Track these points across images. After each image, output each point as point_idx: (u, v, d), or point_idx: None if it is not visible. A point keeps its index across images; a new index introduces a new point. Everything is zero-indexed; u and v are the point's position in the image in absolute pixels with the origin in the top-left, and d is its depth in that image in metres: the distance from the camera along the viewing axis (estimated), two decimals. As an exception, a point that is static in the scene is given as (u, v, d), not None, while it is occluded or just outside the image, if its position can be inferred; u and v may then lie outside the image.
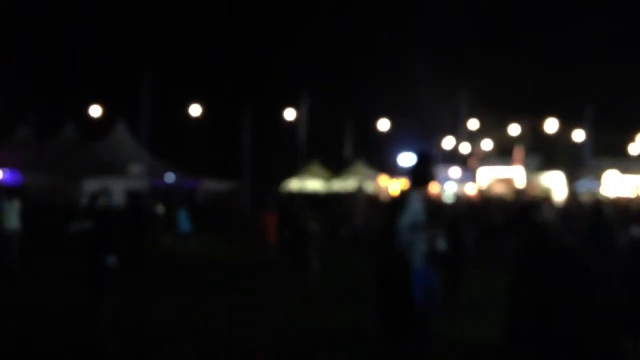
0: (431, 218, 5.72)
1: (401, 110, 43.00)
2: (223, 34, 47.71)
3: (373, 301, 5.72)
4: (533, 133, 43.67)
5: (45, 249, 14.35)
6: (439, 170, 38.95)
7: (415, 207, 5.34)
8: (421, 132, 44.65)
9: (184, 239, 16.81)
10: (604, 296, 4.03)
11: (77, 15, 46.21)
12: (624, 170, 35.93)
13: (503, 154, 41.35)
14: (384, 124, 41.87)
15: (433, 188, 35.74)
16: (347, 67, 46.22)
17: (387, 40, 46.30)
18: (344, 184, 37.34)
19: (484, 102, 42.21)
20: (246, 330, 7.88)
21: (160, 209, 18.58)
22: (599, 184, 34.02)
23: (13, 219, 12.40)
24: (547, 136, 42.13)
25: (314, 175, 40.56)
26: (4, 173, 27.86)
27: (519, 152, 37.68)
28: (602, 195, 29.85)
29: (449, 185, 35.42)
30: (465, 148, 42.37)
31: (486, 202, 21.92)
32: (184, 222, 17.07)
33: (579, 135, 41.44)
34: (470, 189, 34.43)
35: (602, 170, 36.40)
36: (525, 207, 4.41)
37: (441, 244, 5.73)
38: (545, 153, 41.82)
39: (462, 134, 42.53)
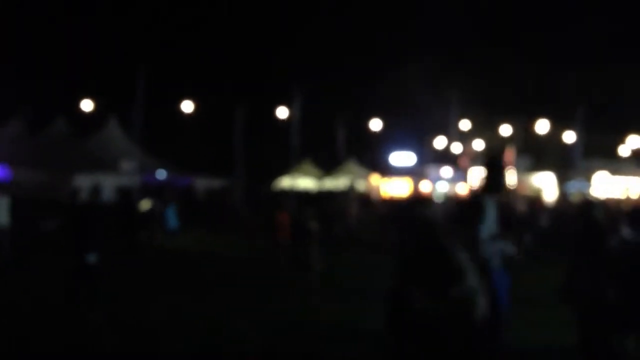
0: (502, 223, 5.80)
1: (393, 109, 43.10)
2: (218, 31, 47.61)
3: None
4: (524, 134, 43.86)
5: (36, 245, 14.25)
6: (431, 169, 39.08)
7: (491, 213, 5.43)
8: (413, 131, 44.79)
9: (171, 236, 16.76)
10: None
11: (71, 10, 45.98)
12: (614, 171, 36.16)
13: (494, 154, 41.49)
14: (376, 124, 41.94)
15: (426, 187, 35.86)
16: (340, 66, 46.26)
17: (380, 39, 46.40)
18: (336, 183, 37.37)
19: (476, 102, 42.36)
20: (243, 328, 7.87)
21: (145, 205, 18.48)
22: (589, 185, 34.22)
23: (2, 215, 12.30)
24: (538, 137, 42.33)
25: (306, 173, 40.57)
26: (-6, 168, 27.68)
27: (510, 152, 37.82)
28: (592, 196, 30.04)
29: (440, 185, 35.51)
30: (456, 148, 42.50)
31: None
32: (172, 218, 17.02)
33: (570, 137, 41.67)
34: (462, 189, 34.50)
35: (593, 171, 36.62)
36: (412, 203, 4.52)
37: (510, 249, 5.83)
38: (536, 154, 42.01)
39: (454, 134, 42.65)
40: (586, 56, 44.65)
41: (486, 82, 44.33)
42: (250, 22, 48.50)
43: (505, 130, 42.85)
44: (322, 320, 8.30)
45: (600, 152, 41.43)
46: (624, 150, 42.93)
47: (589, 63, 44.02)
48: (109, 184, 29.41)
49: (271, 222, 14.04)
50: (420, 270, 4.15)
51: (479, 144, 44.49)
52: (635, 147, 41.84)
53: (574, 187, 34.42)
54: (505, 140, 41.08)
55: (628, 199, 30.95)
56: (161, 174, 32.16)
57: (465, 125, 43.22)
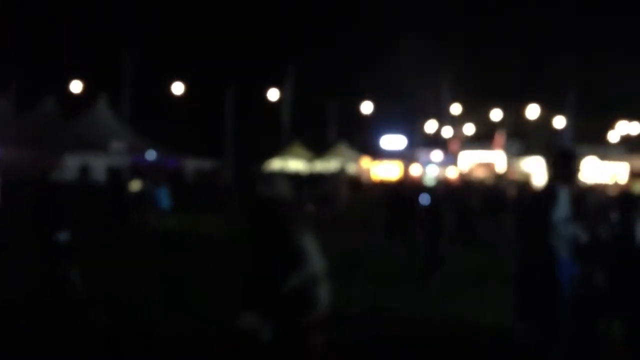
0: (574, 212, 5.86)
1: (384, 93, 43.07)
2: (208, 11, 47.13)
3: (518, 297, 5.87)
4: (515, 118, 44.02)
5: (25, 224, 14.18)
6: (421, 153, 39.20)
7: (564, 201, 5.53)
8: (404, 115, 44.82)
9: (163, 216, 16.71)
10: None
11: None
12: (603, 157, 36.44)
13: (485, 138, 41.68)
14: (367, 107, 41.92)
15: (416, 171, 35.99)
16: (331, 49, 46.01)
17: (372, 23, 46.12)
18: (326, 165, 37.42)
19: (467, 86, 42.41)
20: (234, 306, 7.90)
21: (135, 185, 18.44)
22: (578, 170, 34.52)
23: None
24: (529, 122, 42.53)
25: (297, 155, 40.57)
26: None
27: (500, 137, 38.01)
28: (581, 182, 30.26)
29: (430, 169, 35.64)
30: (447, 132, 42.62)
31: (466, 186, 22.11)
32: (164, 199, 16.96)
33: (559, 122, 41.89)
34: (452, 173, 34.68)
35: (582, 156, 36.85)
36: (258, 180, 4.05)
37: (582, 236, 5.88)
38: (526, 138, 42.23)
39: (445, 118, 42.75)
40: (577, 43, 44.75)
41: (477, 67, 44.34)
42: (241, 2, 48.05)
43: (496, 114, 42.99)
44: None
45: (589, 137, 41.71)
46: (613, 136, 43.26)
47: (580, 49, 44.13)
48: (98, 164, 29.32)
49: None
50: (261, 255, 3.83)
51: (469, 128, 44.64)
52: (624, 133, 42.15)
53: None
54: (496, 125, 41.24)
55: (616, 184, 31.22)
56: (151, 155, 32.03)
57: (456, 109, 43.31)
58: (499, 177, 31.76)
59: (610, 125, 42.77)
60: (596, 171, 34.18)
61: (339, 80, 44.35)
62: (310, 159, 40.47)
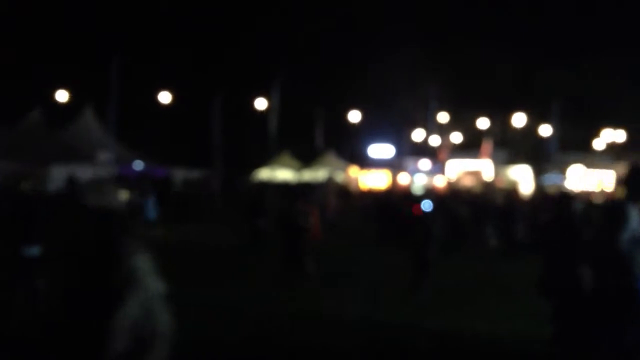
0: None
1: (372, 102, 43.26)
2: (194, 20, 47.18)
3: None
4: (502, 127, 44.39)
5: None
6: (409, 162, 39.36)
7: (634, 220, 5.46)
8: (392, 124, 45.05)
9: (150, 227, 16.63)
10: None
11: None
12: (589, 165, 36.82)
13: (472, 147, 41.97)
14: (354, 115, 42.04)
15: (404, 180, 36.12)
16: (318, 58, 46.18)
17: (360, 32, 46.43)
18: (315, 174, 37.42)
19: (454, 95, 42.74)
20: (228, 318, 7.89)
21: (122, 196, 18.32)
22: (564, 178, 34.75)
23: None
24: (515, 131, 42.88)
25: (285, 165, 40.56)
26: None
27: (487, 145, 38.28)
28: (567, 190, 30.54)
29: (418, 177, 35.78)
30: (435, 140, 42.84)
31: (454, 194, 22.27)
32: (150, 210, 16.91)
33: (545, 130, 42.30)
34: (440, 181, 34.84)
35: (568, 164, 37.23)
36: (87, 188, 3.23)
37: None
38: (513, 147, 42.58)
39: (432, 127, 42.99)
40: (562, 52, 45.34)
41: (464, 77, 44.72)
42: (230, 10, 48.15)
43: (483, 123, 43.33)
44: (304, 310, 8.38)
45: (575, 145, 42.16)
46: (599, 143, 43.75)
47: (566, 58, 44.71)
48: (84, 175, 29.10)
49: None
50: (85, 276, 3.01)
51: (457, 137, 44.92)
52: (609, 140, 42.63)
53: (550, 180, 34.93)
54: (483, 134, 41.53)
55: (601, 191, 31.56)
56: (138, 165, 31.88)
57: (443, 118, 43.59)
58: (487, 186, 32.01)
59: (595, 133, 43.25)
60: (582, 179, 34.50)
61: (326, 90, 44.50)
62: (298, 169, 40.47)
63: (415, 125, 44.39)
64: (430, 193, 22.56)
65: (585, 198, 25.74)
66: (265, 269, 11.62)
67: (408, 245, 10.59)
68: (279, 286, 10.07)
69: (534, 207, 17.88)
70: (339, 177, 36.92)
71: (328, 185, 26.30)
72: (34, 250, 7.28)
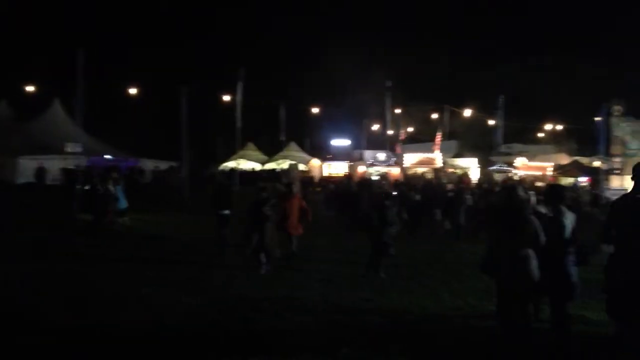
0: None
1: (332, 97, 43.39)
2: (162, 14, 46.34)
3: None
4: (451, 121, 45.07)
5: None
6: (367, 153, 39.62)
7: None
8: (351, 117, 45.31)
9: (120, 215, 16.32)
10: None
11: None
12: (532, 157, 37.66)
13: (425, 140, 42.55)
14: (316, 109, 42.06)
15: (359, 169, 36.36)
16: (282, 53, 45.99)
17: (321, 29, 46.41)
18: (278, 167, 37.38)
19: (409, 91, 43.22)
20: (194, 304, 7.84)
21: (89, 186, 17.97)
22: (510, 169, 35.46)
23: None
24: (464, 124, 43.53)
25: (250, 157, 40.35)
26: None
27: (438, 138, 38.85)
28: (513, 177, 31.23)
29: (375, 168, 36.06)
30: (390, 134, 43.23)
31: (407, 182, 22.54)
32: (120, 199, 16.56)
33: (492, 124, 43.14)
34: (395, 171, 35.20)
35: (513, 156, 38.03)
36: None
37: None
38: (462, 139, 43.28)
39: (388, 121, 43.30)
40: (508, 50, 46.26)
41: (419, 73, 45.23)
42: (193, 7, 47.46)
43: (434, 117, 43.98)
44: (264, 294, 8.40)
45: (519, 138, 43.15)
46: (541, 135, 44.96)
47: (511, 56, 45.65)
48: (54, 167, 28.40)
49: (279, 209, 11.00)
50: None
51: (411, 130, 45.46)
52: (550, 132, 43.71)
53: (496, 169, 35.62)
54: (435, 127, 42.06)
55: (544, 176, 32.38)
56: (106, 157, 31.30)
57: (398, 112, 44.01)
58: (437, 173, 32.52)
59: (538, 126, 44.32)
60: (526, 168, 35.25)
61: (288, 85, 44.40)
62: (262, 161, 40.34)
63: (372, 119, 44.71)
64: (385, 182, 22.81)
65: (530, 183, 26.41)
66: (229, 256, 11.58)
67: (365, 230, 10.70)
68: (243, 272, 10.05)
69: (480, 193, 18.24)
70: (302, 169, 36.89)
71: (294, 173, 26.19)
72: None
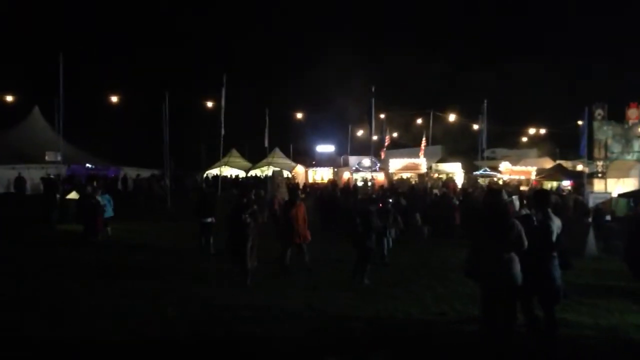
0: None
1: (317, 103, 43.46)
2: (144, 22, 46.11)
3: None
4: (437, 126, 45.32)
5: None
6: (352, 159, 39.65)
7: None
8: (335, 123, 45.35)
9: (105, 225, 16.13)
10: None
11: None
12: (516, 161, 37.95)
13: (410, 145, 42.71)
14: (300, 115, 42.08)
15: (344, 175, 36.38)
16: (266, 59, 45.97)
17: (306, 36, 46.53)
18: (262, 173, 37.30)
19: (395, 97, 43.43)
20: (172, 314, 7.74)
21: (72, 196, 17.87)
22: (494, 173, 35.70)
23: None
24: (448, 129, 43.78)
25: (233, 164, 40.21)
26: None
27: (423, 143, 39.01)
28: (497, 182, 31.43)
29: (361, 174, 36.11)
30: (375, 139, 43.32)
31: (393, 186, 22.60)
32: (108, 208, 16.37)
33: (477, 129, 43.42)
34: (380, 177, 35.27)
35: (497, 160, 38.29)
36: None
37: None
38: (447, 144, 43.51)
39: (373, 126, 43.38)
40: (491, 57, 46.72)
41: (398, 79, 45.50)
42: (176, 14, 47.31)
43: (419, 123, 44.14)
44: (248, 302, 8.32)
45: (503, 143, 43.50)
46: (524, 140, 45.37)
47: (494, 63, 46.11)
48: (33, 175, 28.04)
49: (282, 218, 10.71)
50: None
51: (396, 136, 45.58)
52: (533, 137, 44.12)
53: (481, 173, 35.86)
54: (420, 132, 42.25)
55: (528, 180, 32.64)
56: (87, 165, 30.94)
57: (383, 117, 44.17)
58: (423, 176, 32.63)
59: (521, 132, 44.72)
60: (510, 173, 35.51)
61: (273, 92, 44.36)
62: (246, 168, 40.21)
63: (357, 124, 44.81)
64: (371, 188, 22.83)
65: (515, 187, 26.57)
66: (212, 264, 11.48)
67: (350, 236, 10.65)
68: (226, 280, 9.95)
69: (465, 198, 18.33)
70: (286, 175, 36.83)
71: (279, 178, 26.10)
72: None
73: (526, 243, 5.96)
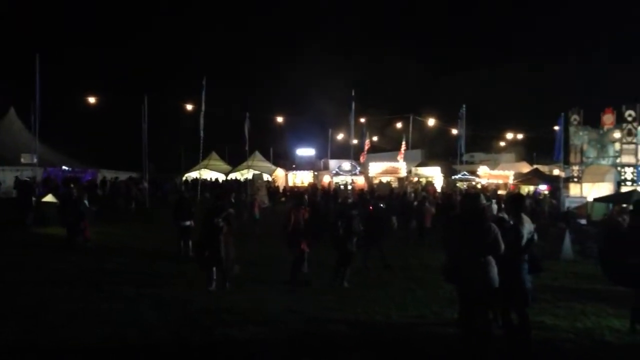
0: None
1: (297, 107, 43.46)
2: (124, 24, 45.69)
3: None
4: (416, 131, 45.63)
5: None
6: (331, 163, 39.73)
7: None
8: (316, 127, 45.36)
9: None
10: None
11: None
12: (494, 165, 38.40)
13: (389, 149, 42.92)
14: (280, 119, 42.05)
15: (324, 179, 36.44)
16: (246, 62, 45.85)
17: (284, 38, 46.52)
18: (242, 177, 37.17)
19: (375, 101, 43.62)
20: (152, 318, 7.67)
21: (49, 199, 17.70)
22: (472, 177, 36.10)
23: None
24: (427, 134, 44.13)
25: (213, 167, 40.02)
26: None
27: (403, 148, 39.28)
28: (475, 186, 31.78)
29: (340, 177, 36.22)
30: (355, 143, 43.47)
31: (372, 190, 22.68)
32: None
33: (455, 133, 43.80)
34: (360, 180, 35.41)
35: (476, 165, 38.71)
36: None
37: None
38: (426, 148, 43.82)
39: (353, 130, 43.55)
40: (470, 62, 47.24)
41: (377, 83, 45.74)
42: (157, 16, 46.99)
43: (399, 126, 44.39)
44: (229, 306, 8.28)
45: (482, 148, 43.97)
46: (502, 145, 45.89)
47: (472, 69, 46.65)
48: (8, 178, 27.56)
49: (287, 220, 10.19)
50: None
51: (375, 140, 45.81)
52: (511, 141, 44.69)
53: (459, 178, 36.23)
54: (399, 136, 42.52)
55: (505, 185, 33.05)
56: (64, 168, 30.50)
57: (363, 121, 44.34)
58: (403, 180, 32.82)
59: (499, 136, 45.25)
60: (488, 177, 35.94)
61: (253, 95, 44.26)
62: (226, 171, 40.05)
63: (337, 128, 44.90)
64: (350, 192, 22.90)
65: (492, 191, 26.87)
66: (191, 268, 11.39)
67: (331, 240, 10.64)
68: (204, 284, 9.87)
69: (443, 201, 18.49)
70: (266, 178, 36.78)
71: (256, 183, 26.05)
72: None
73: (503, 247, 6.03)
